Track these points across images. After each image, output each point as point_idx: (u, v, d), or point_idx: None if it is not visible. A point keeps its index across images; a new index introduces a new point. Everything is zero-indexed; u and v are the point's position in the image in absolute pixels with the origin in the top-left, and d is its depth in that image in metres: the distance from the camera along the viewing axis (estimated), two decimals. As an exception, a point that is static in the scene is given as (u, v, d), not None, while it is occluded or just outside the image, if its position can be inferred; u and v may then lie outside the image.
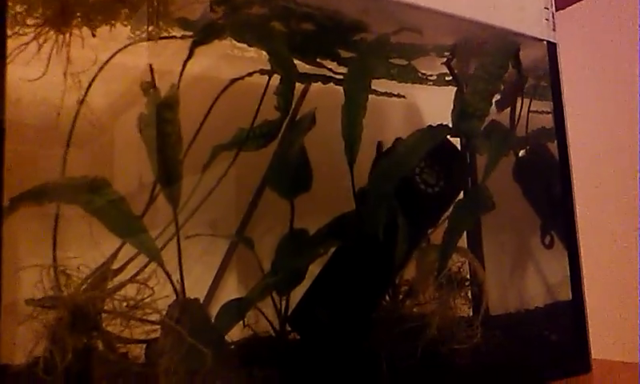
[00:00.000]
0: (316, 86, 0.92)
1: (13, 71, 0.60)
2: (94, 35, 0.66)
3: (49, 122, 0.73)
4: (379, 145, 0.89)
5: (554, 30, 0.97)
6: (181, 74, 0.69)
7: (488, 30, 0.91)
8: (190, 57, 0.71)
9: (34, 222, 0.73)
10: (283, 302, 0.83)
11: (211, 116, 0.81)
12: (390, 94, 0.95)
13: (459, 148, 0.95)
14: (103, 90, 0.76)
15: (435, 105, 1.04)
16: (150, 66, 0.63)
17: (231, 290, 0.90)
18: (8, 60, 0.58)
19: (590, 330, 0.96)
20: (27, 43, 0.63)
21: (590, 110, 1.27)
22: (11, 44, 0.63)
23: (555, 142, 0.99)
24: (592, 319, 0.97)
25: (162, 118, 0.63)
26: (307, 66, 0.91)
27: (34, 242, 0.73)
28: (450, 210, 0.87)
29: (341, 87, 0.86)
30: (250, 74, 0.81)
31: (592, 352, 0.95)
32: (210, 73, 0.88)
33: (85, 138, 0.76)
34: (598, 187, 1.25)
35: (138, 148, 0.79)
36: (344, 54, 0.91)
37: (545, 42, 0.97)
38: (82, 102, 0.62)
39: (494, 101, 0.90)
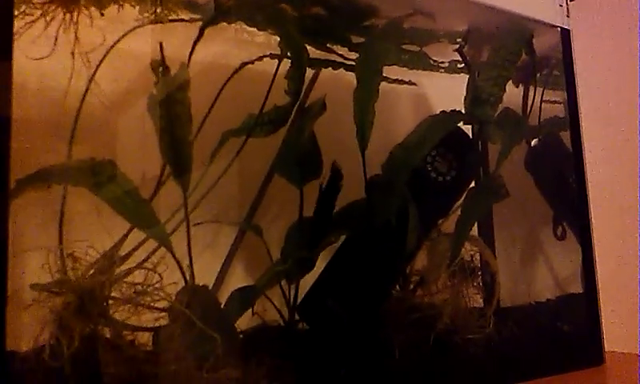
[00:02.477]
0: (325, 74, 0.91)
1: (19, 52, 0.59)
2: (102, 14, 0.65)
3: (56, 107, 0.72)
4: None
5: (567, 16, 0.95)
6: (190, 54, 0.67)
7: (501, 15, 0.89)
8: (199, 38, 0.69)
9: (40, 208, 0.71)
10: (292, 291, 0.81)
11: (220, 102, 0.80)
12: (402, 81, 0.93)
13: (471, 136, 0.94)
14: (110, 75, 0.75)
15: (445, 93, 1.02)
16: (160, 43, 0.62)
17: (238, 280, 0.89)
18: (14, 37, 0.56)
19: (602, 322, 0.95)
20: (34, 21, 0.61)
21: (604, 98, 1.25)
22: (17, 24, 0.61)
23: (568, 131, 0.97)
24: (605, 311, 0.95)
25: (172, 98, 0.62)
26: (317, 52, 0.89)
27: (40, 229, 0.71)
28: (463, 198, 0.86)
29: (350, 74, 0.84)
30: (260, 58, 0.80)
31: (605, 344, 0.94)
32: (218, 59, 0.87)
33: (91, 123, 0.74)
34: (611, 177, 1.23)
35: (145, 133, 0.77)
36: (355, 39, 0.89)
37: (558, 29, 0.95)
38: (91, 79, 0.61)
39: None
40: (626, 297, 1.16)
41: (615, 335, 0.97)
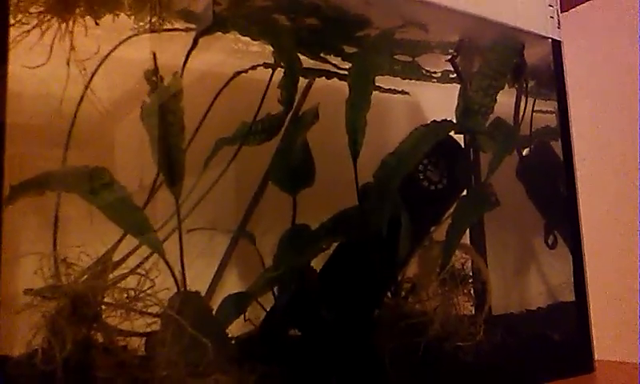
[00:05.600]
0: (318, 84, 0.92)
1: (15, 61, 0.59)
2: (97, 23, 0.66)
3: (52, 116, 0.72)
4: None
5: (558, 27, 0.96)
6: (184, 64, 0.68)
7: (492, 27, 0.90)
8: (193, 47, 0.70)
9: (34, 216, 0.72)
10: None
11: (214, 111, 0.81)
12: (395, 91, 0.94)
13: (463, 145, 0.95)
14: (105, 84, 0.75)
15: (437, 103, 1.03)
16: (154, 53, 0.63)
17: (231, 288, 0.89)
18: (10, 46, 0.57)
19: (593, 331, 0.95)
20: (29, 30, 0.62)
21: (594, 111, 1.26)
22: (13, 33, 0.62)
23: (559, 141, 0.99)
24: (595, 319, 0.96)
25: (165, 106, 0.63)
26: (311, 62, 0.90)
27: (34, 236, 0.72)
28: (454, 206, 0.87)
29: (343, 83, 0.85)
30: (253, 67, 0.81)
31: (595, 353, 0.95)
32: (212, 68, 0.87)
33: (87, 131, 0.75)
34: (601, 187, 1.24)
35: (139, 142, 0.78)
36: (348, 49, 0.90)
37: (550, 40, 0.96)
38: (87, 86, 0.61)
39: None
40: (616, 305, 1.17)
41: (605, 344, 0.98)
